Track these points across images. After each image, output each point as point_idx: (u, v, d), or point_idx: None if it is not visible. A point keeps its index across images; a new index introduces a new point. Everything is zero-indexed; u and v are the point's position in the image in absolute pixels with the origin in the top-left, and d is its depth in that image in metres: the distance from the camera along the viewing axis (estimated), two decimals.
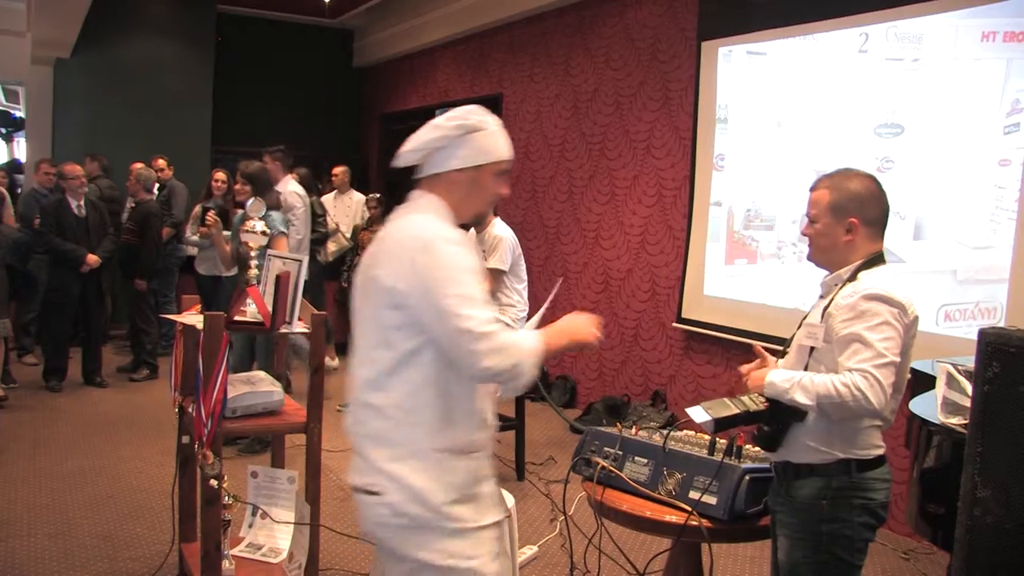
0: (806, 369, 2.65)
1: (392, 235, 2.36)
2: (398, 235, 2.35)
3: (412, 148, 2.41)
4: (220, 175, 8.21)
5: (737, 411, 2.62)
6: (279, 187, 6.89)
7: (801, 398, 2.51)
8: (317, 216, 8.22)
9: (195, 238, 8.29)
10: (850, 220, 2.65)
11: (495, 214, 5.78)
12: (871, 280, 2.59)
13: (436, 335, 2.23)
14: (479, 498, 2.36)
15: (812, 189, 2.77)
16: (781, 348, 2.90)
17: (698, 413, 2.65)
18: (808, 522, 2.65)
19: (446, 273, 2.22)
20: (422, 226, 2.32)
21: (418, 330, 2.25)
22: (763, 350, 2.88)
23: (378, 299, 2.30)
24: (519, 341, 2.27)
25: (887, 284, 2.56)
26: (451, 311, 2.19)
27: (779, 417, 2.64)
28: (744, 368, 2.81)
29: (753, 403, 2.64)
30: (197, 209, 8.45)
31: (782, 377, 2.59)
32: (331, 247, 9.19)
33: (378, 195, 9.29)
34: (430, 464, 2.29)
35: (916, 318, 2.60)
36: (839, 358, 2.52)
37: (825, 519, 2.61)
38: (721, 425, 2.63)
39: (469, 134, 2.39)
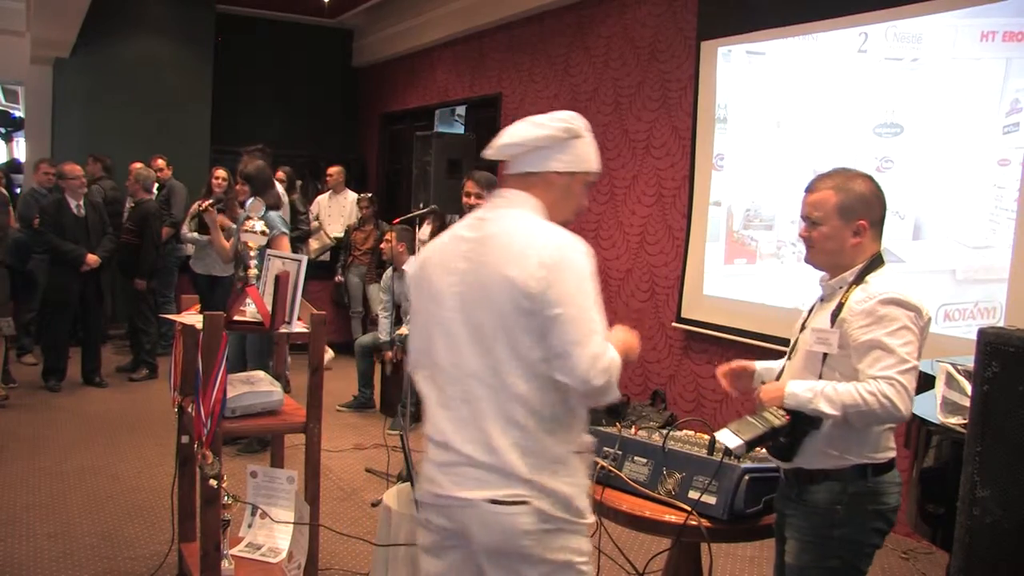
0: (820, 377, 2.60)
1: (509, 233, 2.29)
2: (520, 234, 2.28)
3: (514, 143, 2.37)
4: (221, 172, 8.22)
5: (764, 429, 2.55)
6: None
7: (826, 408, 2.47)
8: (299, 214, 8.26)
9: (193, 235, 8.29)
10: (859, 223, 2.62)
11: None
12: (883, 283, 2.55)
13: (553, 342, 2.19)
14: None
15: (810, 191, 2.71)
16: (786, 349, 2.88)
17: (728, 437, 2.58)
18: (821, 526, 2.62)
19: (579, 285, 2.22)
20: (549, 229, 2.29)
21: (542, 335, 2.20)
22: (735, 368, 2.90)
23: (500, 300, 2.23)
24: (616, 361, 2.24)
25: (901, 287, 2.53)
26: (577, 322, 2.18)
27: (799, 428, 2.59)
28: (720, 371, 2.86)
29: (775, 418, 2.57)
30: (194, 207, 8.44)
31: (803, 388, 2.54)
32: (313, 245, 9.22)
33: (370, 195, 9.28)
34: (569, 467, 2.31)
35: (929, 320, 2.57)
36: (859, 365, 2.49)
37: (838, 524, 2.59)
38: (752, 446, 2.58)
39: (573, 139, 2.39)
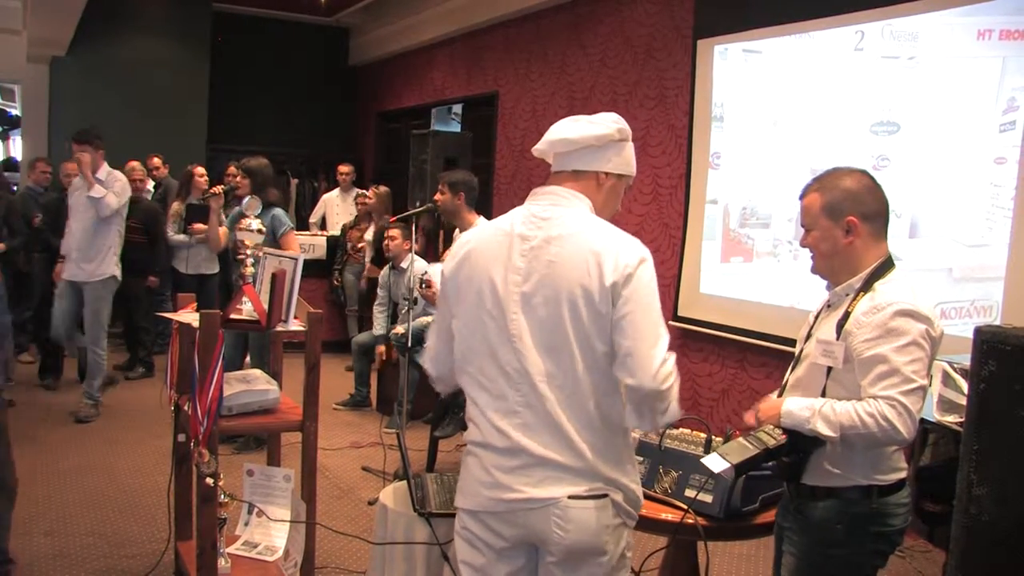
0: (824, 391, 2.48)
1: (581, 234, 2.28)
2: (593, 235, 2.28)
3: (570, 139, 2.35)
4: (200, 169, 8.39)
5: (756, 450, 2.43)
6: None
7: (824, 429, 2.36)
8: None
9: (180, 237, 8.28)
10: (847, 219, 2.49)
11: (479, 213, 5.75)
12: (892, 292, 2.42)
13: (623, 342, 2.20)
14: None
15: (801, 197, 2.60)
16: (782, 348, 2.83)
17: (715, 461, 2.47)
18: (819, 544, 2.51)
19: (650, 289, 2.24)
20: (619, 232, 2.32)
21: (611, 336, 2.21)
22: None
23: (574, 300, 2.21)
24: (676, 374, 2.24)
25: (912, 296, 2.40)
26: (647, 324, 2.20)
27: (800, 447, 2.47)
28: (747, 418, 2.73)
29: (771, 437, 2.46)
30: (177, 207, 8.43)
31: (799, 406, 2.43)
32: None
33: (367, 193, 9.28)
34: (633, 465, 2.37)
35: (942, 333, 2.44)
36: (862, 381, 2.36)
37: (837, 543, 2.48)
38: (742, 470, 2.46)
39: (624, 141, 2.40)
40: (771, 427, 2.48)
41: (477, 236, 2.41)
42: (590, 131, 2.34)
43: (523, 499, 2.25)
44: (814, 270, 2.63)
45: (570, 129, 2.35)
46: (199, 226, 8.08)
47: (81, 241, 6.80)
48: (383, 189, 8.82)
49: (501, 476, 2.27)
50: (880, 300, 2.40)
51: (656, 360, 2.17)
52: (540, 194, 2.38)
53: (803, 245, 2.62)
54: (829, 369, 2.48)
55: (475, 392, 2.34)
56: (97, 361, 6.92)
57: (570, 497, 2.24)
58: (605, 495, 2.26)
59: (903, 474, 2.52)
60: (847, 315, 2.46)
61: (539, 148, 2.42)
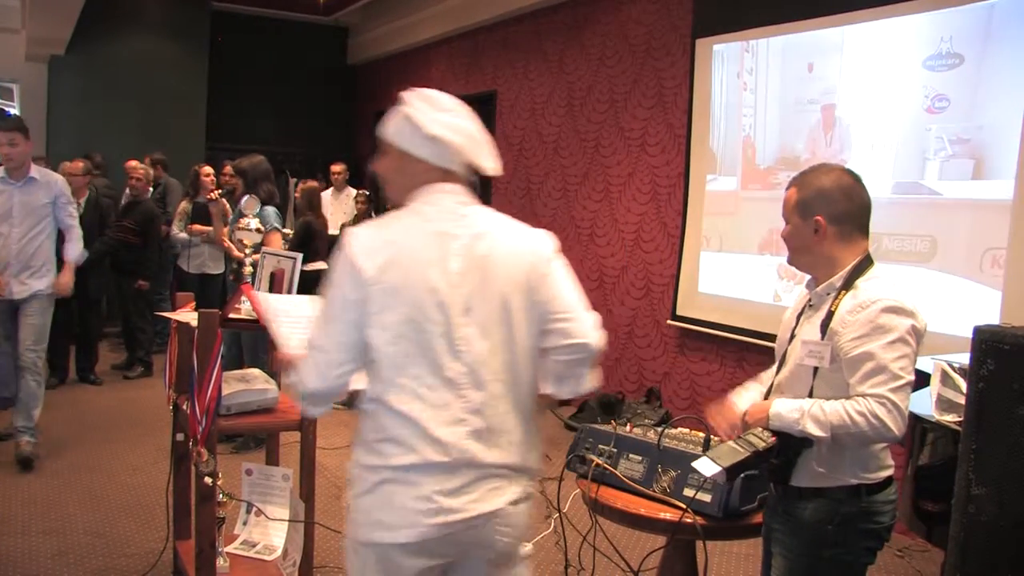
0: (811, 392, 2.47)
1: (501, 229, 2.29)
2: (512, 230, 2.31)
3: (477, 138, 2.39)
4: (208, 169, 8.44)
5: (747, 453, 2.41)
6: None
7: (814, 429, 2.34)
8: None
9: (183, 235, 8.31)
10: (815, 218, 2.49)
11: None
12: (875, 289, 2.41)
13: (557, 308, 2.27)
14: None
15: (786, 190, 2.62)
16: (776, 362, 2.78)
17: (706, 465, 2.44)
18: (809, 544, 2.50)
19: (566, 269, 2.34)
20: (526, 226, 2.36)
21: (537, 328, 2.25)
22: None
23: (514, 294, 2.22)
24: None
25: (896, 292, 2.39)
26: (575, 295, 2.32)
27: (789, 449, 2.45)
28: (708, 416, 2.76)
29: (760, 440, 2.43)
30: (185, 205, 8.46)
31: (788, 408, 2.41)
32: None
33: (367, 192, 9.28)
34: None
35: (926, 326, 2.42)
36: (850, 379, 2.36)
37: (829, 544, 2.47)
38: (733, 473, 2.43)
39: None
40: (760, 429, 2.46)
41: (400, 236, 2.21)
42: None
43: (470, 518, 2.17)
44: (789, 261, 2.67)
45: (474, 124, 2.37)
46: (198, 227, 8.12)
47: (23, 250, 5.63)
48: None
49: (444, 500, 2.13)
50: (864, 298, 2.41)
51: (592, 321, 2.29)
52: (441, 191, 2.28)
53: (781, 236, 2.65)
54: (816, 369, 2.47)
55: (409, 404, 2.14)
56: (37, 388, 5.71)
57: (510, 504, 2.23)
58: (531, 494, 2.30)
59: (890, 471, 2.52)
60: (831, 315, 2.46)
61: (456, 141, 2.31)
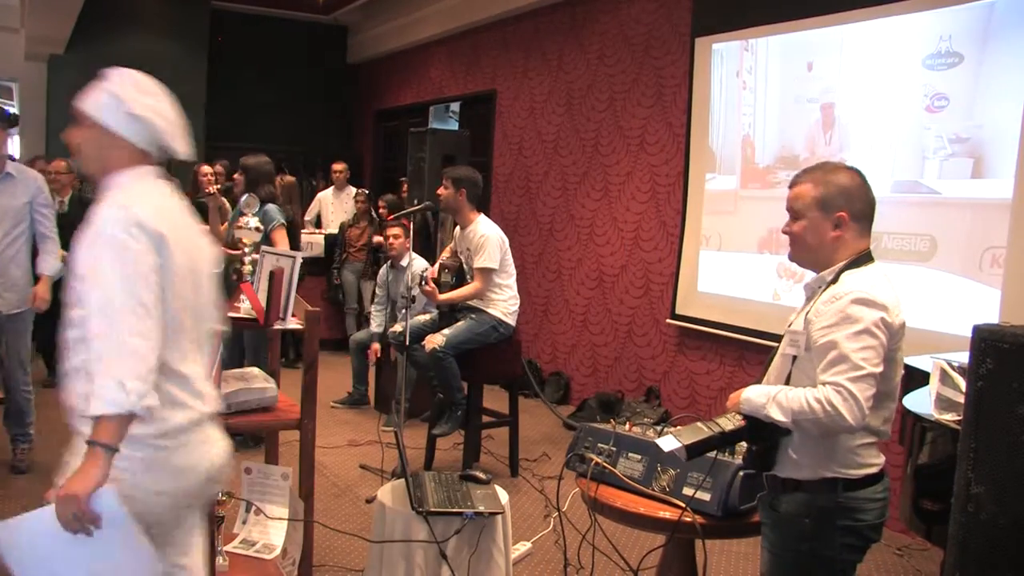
0: (788, 380, 2.54)
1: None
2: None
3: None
4: (207, 168, 8.50)
5: (711, 433, 2.49)
6: None
7: (776, 414, 2.41)
8: None
9: None
10: (838, 215, 2.52)
11: (478, 211, 5.76)
12: (853, 282, 2.46)
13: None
14: None
15: (792, 185, 2.63)
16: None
17: (667, 442, 2.53)
18: (789, 538, 2.56)
19: None
20: None
21: None
22: None
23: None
24: None
25: (870, 285, 2.44)
26: None
27: (762, 434, 2.52)
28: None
29: (729, 422, 2.52)
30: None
31: (757, 393, 2.48)
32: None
33: (366, 191, 9.28)
34: None
35: (903, 323, 2.48)
36: (817, 368, 2.41)
37: (806, 538, 2.51)
38: (693, 451, 2.50)
39: None
40: (732, 414, 2.54)
41: (167, 219, 2.34)
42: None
43: (228, 454, 2.48)
44: (792, 257, 2.69)
45: (174, 111, 2.44)
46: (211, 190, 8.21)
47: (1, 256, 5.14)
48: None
49: (221, 439, 2.47)
50: (839, 289, 2.46)
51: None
52: (151, 174, 2.47)
53: (786, 232, 2.65)
54: (794, 359, 2.54)
55: (191, 363, 2.38)
56: (27, 404, 5.47)
57: None
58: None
59: (874, 470, 2.53)
60: (813, 306, 2.52)
61: (158, 123, 2.40)
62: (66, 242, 7.08)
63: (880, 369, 2.38)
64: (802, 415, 2.35)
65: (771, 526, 2.63)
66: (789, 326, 2.66)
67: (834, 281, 2.51)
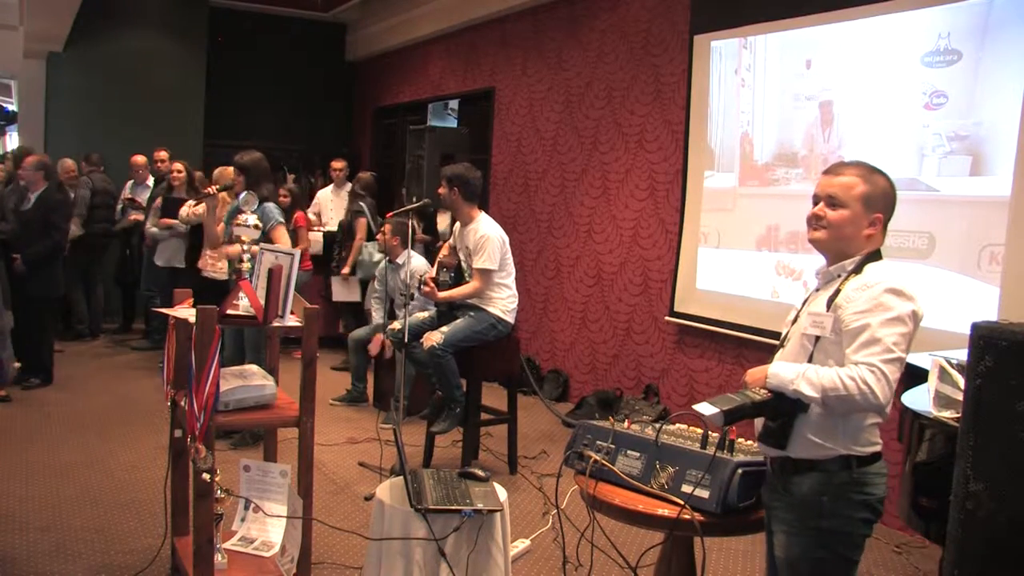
0: (811, 360, 2.62)
1: None
2: None
3: None
4: (177, 165, 8.66)
5: (743, 402, 2.59)
6: None
7: (807, 390, 2.50)
8: None
9: (155, 230, 8.56)
10: (876, 215, 2.66)
11: (480, 208, 5.76)
12: (882, 273, 2.59)
13: None
14: None
15: (835, 173, 2.72)
16: (777, 343, 2.87)
17: (705, 407, 2.63)
18: (807, 517, 2.64)
19: None
20: None
21: None
22: None
23: None
24: None
25: (900, 278, 2.56)
26: None
27: (783, 409, 2.62)
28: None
29: (756, 395, 2.61)
30: (158, 201, 8.60)
31: (785, 368, 2.59)
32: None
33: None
34: None
35: (923, 315, 2.58)
36: (847, 350, 2.51)
37: (825, 515, 2.61)
38: (730, 417, 2.59)
39: None
40: (757, 388, 2.64)
41: None
42: None
43: None
44: (814, 239, 2.75)
45: None
46: (166, 220, 8.33)
47: None
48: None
49: None
50: (870, 278, 2.58)
51: None
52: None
53: (819, 215, 2.70)
54: (817, 340, 2.63)
55: None
56: None
57: None
58: None
59: (878, 448, 2.66)
60: (838, 292, 2.63)
61: None
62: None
63: (907, 356, 2.52)
64: (834, 392, 2.45)
65: (786, 507, 2.71)
66: (803, 305, 2.79)
67: (856, 271, 2.64)
